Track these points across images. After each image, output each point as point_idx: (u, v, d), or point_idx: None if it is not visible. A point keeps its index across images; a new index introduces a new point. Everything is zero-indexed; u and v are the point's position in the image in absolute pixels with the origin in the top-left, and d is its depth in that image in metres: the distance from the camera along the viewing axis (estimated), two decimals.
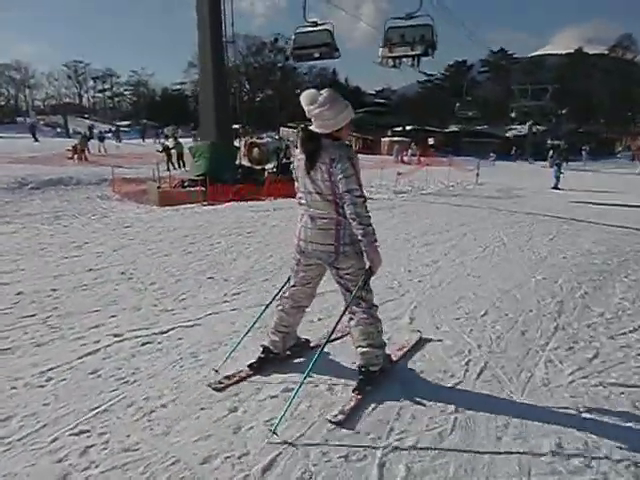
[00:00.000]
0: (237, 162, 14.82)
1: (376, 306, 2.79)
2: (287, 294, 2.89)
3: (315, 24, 11.68)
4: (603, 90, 58.00)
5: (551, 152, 34.25)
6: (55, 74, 71.47)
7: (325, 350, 2.82)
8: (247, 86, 67.32)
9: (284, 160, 15.76)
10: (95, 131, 37.33)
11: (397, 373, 2.92)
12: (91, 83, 75.43)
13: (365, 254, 2.55)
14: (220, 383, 2.73)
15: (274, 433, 2.23)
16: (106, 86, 76.30)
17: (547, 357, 3.30)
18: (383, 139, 43.03)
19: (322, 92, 2.51)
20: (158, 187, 12.83)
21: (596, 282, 5.17)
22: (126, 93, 78.39)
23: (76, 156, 22.43)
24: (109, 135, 47.48)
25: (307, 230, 2.64)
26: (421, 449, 2.20)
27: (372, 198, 13.94)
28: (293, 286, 2.86)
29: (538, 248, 6.68)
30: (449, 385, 2.80)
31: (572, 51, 66.05)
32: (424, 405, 2.57)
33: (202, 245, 6.13)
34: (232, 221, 7.82)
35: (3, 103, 66.29)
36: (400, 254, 6.02)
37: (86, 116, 63.03)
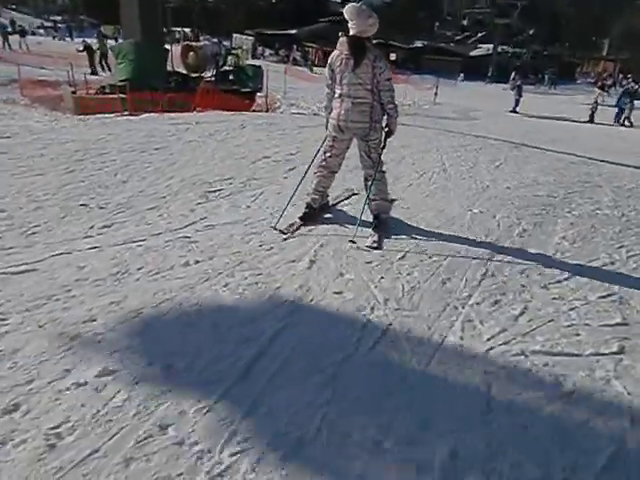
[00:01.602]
0: (169, 68, 13.17)
1: (385, 171, 3.85)
2: (324, 163, 3.76)
3: None
4: (571, 12, 55.98)
5: (513, 74, 33.22)
6: None
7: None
8: None
9: (223, 68, 14.20)
10: (19, 25, 32.93)
11: (262, 339, 2.25)
12: None
13: (390, 124, 3.60)
14: (289, 227, 3.65)
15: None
16: None
17: (466, 315, 2.72)
18: None
19: (360, 5, 3.35)
20: (73, 92, 11.22)
21: (537, 217, 4.62)
22: None
23: None
24: (41, 31, 42.42)
25: (348, 112, 3.50)
26: (264, 469, 1.57)
27: (319, 114, 12.87)
28: (330, 157, 3.74)
29: (481, 176, 6.05)
30: (329, 361, 2.15)
31: None
32: (288, 394, 1.93)
33: (91, 163, 5.11)
34: (143, 135, 6.72)
35: None
36: None
37: (13, 6, 55.69)
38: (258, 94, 13.86)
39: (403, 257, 3.38)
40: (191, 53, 13.79)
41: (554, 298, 3.05)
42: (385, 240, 3.64)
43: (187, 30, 43.21)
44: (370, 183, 3.69)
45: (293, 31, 44.89)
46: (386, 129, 3.63)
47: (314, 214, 3.87)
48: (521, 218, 4.52)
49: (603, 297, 3.08)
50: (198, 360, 2.04)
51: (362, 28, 3.32)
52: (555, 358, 2.39)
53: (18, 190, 4.10)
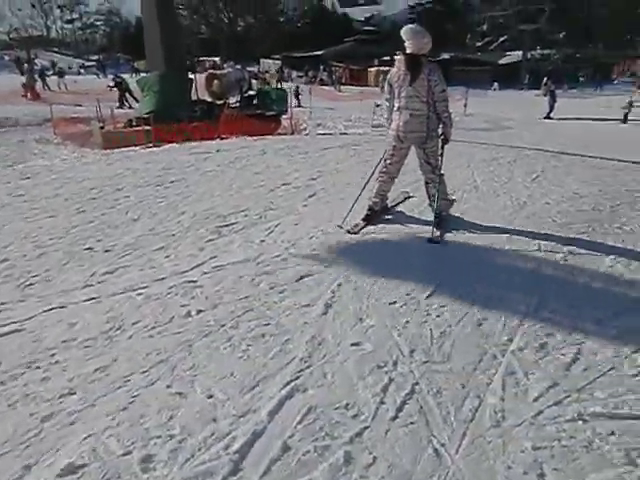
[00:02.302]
0: (194, 97, 13.25)
1: (443, 174, 4.13)
2: (385, 170, 4.14)
3: None
4: (602, 11, 54.15)
5: (545, 79, 32.18)
6: (18, 3, 65.53)
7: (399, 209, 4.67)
8: (226, 13, 62.06)
9: (248, 93, 14.22)
10: (59, 66, 34.46)
11: (262, 413, 1.91)
12: (58, 12, 69.48)
13: (445, 132, 3.93)
14: (354, 227, 4.01)
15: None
16: (74, 16, 70.39)
17: (507, 365, 2.31)
18: (370, 69, 40.30)
19: (415, 26, 3.83)
20: (101, 127, 11.40)
21: (583, 235, 4.13)
22: (98, 24, 72.59)
23: (29, 94, 20.70)
24: (82, 71, 44.26)
25: (407, 123, 3.87)
26: None
27: (346, 133, 12.64)
28: (390, 164, 4.10)
29: (518, 191, 5.57)
30: (342, 440, 1.79)
31: None
32: None
33: (104, 201, 4.97)
34: (161, 167, 6.59)
35: None
36: (335, 207, 4.59)
37: (55, 50, 58.56)
38: (283, 116, 13.77)
39: (431, 294, 2.99)
40: (215, 81, 13.90)
41: (613, 337, 2.60)
42: (408, 275, 3.27)
43: (217, 59, 44.24)
44: (431, 186, 4.10)
45: (319, 52, 45.27)
46: (442, 137, 3.96)
47: (375, 215, 4.23)
48: (564, 238, 4.05)
49: None
50: (184, 446, 1.72)
51: (419, 46, 3.75)
52: (623, 423, 1.95)
53: (26, 235, 3.96)
